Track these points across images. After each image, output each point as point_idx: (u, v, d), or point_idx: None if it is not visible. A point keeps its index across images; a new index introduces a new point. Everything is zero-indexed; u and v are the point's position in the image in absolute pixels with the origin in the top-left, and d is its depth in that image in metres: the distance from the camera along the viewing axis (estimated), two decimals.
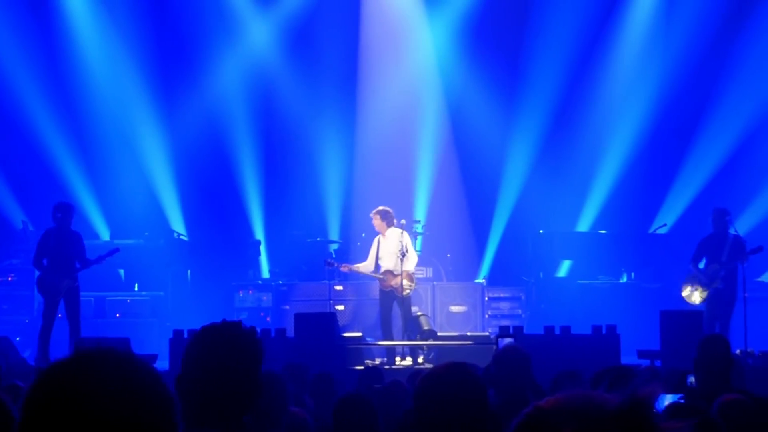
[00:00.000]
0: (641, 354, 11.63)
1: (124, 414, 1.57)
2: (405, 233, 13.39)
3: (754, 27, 17.24)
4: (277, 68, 18.04)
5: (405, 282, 13.11)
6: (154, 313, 15.67)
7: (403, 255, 13.08)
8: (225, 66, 17.88)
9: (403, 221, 13.64)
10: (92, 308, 15.12)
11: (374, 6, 18.08)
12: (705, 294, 12.85)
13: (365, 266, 13.57)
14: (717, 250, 12.88)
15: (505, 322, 14.40)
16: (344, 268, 13.97)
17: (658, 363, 10.97)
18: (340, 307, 15.13)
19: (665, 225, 16.88)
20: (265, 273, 17.18)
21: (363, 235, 15.70)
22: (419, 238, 15.33)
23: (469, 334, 13.84)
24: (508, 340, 10.33)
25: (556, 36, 17.55)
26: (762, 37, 17.16)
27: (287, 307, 15.23)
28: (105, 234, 17.17)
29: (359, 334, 13.18)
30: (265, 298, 15.70)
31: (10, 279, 15.74)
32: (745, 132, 17.16)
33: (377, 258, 13.40)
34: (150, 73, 17.54)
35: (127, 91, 17.56)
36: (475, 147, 17.83)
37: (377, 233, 13.51)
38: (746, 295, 12.60)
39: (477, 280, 16.53)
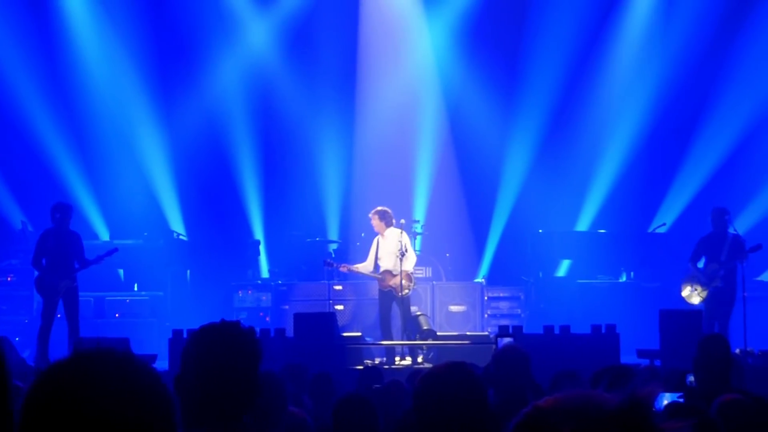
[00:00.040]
0: (641, 353, 11.64)
1: (123, 414, 1.57)
2: (404, 233, 13.37)
3: (753, 27, 17.24)
4: (276, 68, 18.04)
5: (404, 282, 13.10)
6: (153, 313, 15.66)
7: (403, 255, 13.07)
8: (224, 66, 17.87)
9: (402, 221, 13.62)
10: (91, 308, 15.12)
11: (373, 6, 18.07)
12: (704, 293, 12.84)
13: (365, 266, 13.55)
14: (716, 249, 12.87)
15: (504, 322, 14.42)
16: (343, 269, 13.95)
17: (657, 362, 10.97)
18: (340, 307, 15.13)
19: (664, 224, 16.87)
20: (265, 273, 17.18)
21: (362, 235, 15.70)
22: (418, 237, 15.34)
23: (468, 333, 13.85)
24: (507, 340, 10.33)
25: (555, 36, 17.56)
26: (760, 37, 17.16)
27: (286, 307, 15.22)
28: (104, 234, 17.17)
29: (358, 334, 13.18)
30: (264, 298, 15.69)
31: (9, 279, 15.73)
32: (744, 131, 17.17)
33: (376, 258, 13.40)
34: (149, 74, 17.53)
35: (126, 91, 17.56)
36: (474, 146, 17.83)
37: (376, 233, 13.51)
38: (745, 294, 12.59)
39: (476, 280, 16.52)
